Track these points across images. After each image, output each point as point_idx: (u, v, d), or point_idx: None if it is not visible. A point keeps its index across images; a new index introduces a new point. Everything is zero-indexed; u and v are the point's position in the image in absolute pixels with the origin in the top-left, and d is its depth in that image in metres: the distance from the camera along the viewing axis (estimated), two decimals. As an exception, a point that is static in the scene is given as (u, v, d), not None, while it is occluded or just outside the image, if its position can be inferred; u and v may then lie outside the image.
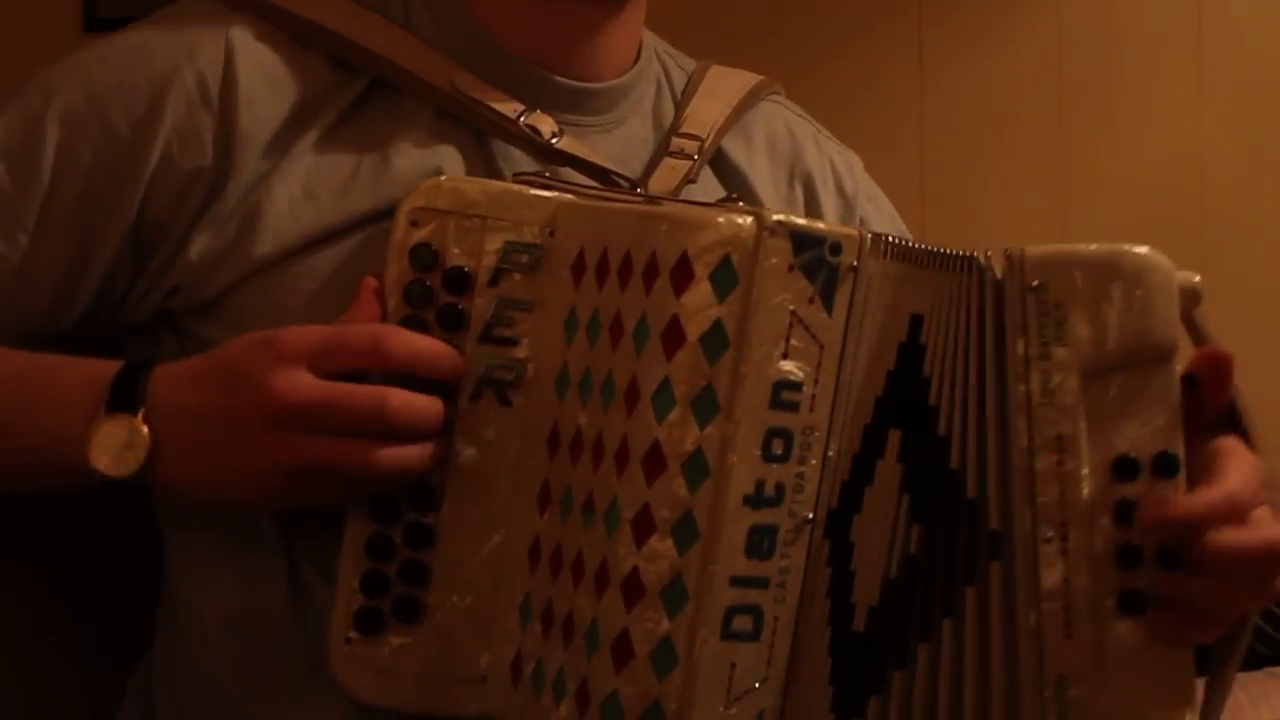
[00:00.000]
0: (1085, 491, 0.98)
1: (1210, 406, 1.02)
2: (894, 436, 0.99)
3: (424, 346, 1.03)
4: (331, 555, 1.07)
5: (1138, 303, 0.97)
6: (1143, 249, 0.98)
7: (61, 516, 1.22)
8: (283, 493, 1.03)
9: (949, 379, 0.99)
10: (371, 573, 1.04)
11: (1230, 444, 1.03)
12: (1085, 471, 0.98)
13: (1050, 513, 0.97)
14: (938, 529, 0.99)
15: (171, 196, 1.11)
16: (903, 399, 0.99)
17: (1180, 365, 1.00)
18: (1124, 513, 0.98)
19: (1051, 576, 0.97)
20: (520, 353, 1.04)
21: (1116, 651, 0.98)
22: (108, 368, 1.06)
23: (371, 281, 1.05)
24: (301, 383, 1.00)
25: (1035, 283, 0.97)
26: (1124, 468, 0.98)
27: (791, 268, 0.93)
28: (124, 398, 1.04)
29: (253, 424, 1.00)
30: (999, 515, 0.98)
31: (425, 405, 1.01)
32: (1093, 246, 0.99)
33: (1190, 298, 1.00)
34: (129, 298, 1.14)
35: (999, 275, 0.99)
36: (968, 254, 1.00)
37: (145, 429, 1.03)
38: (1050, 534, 0.97)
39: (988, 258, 1.00)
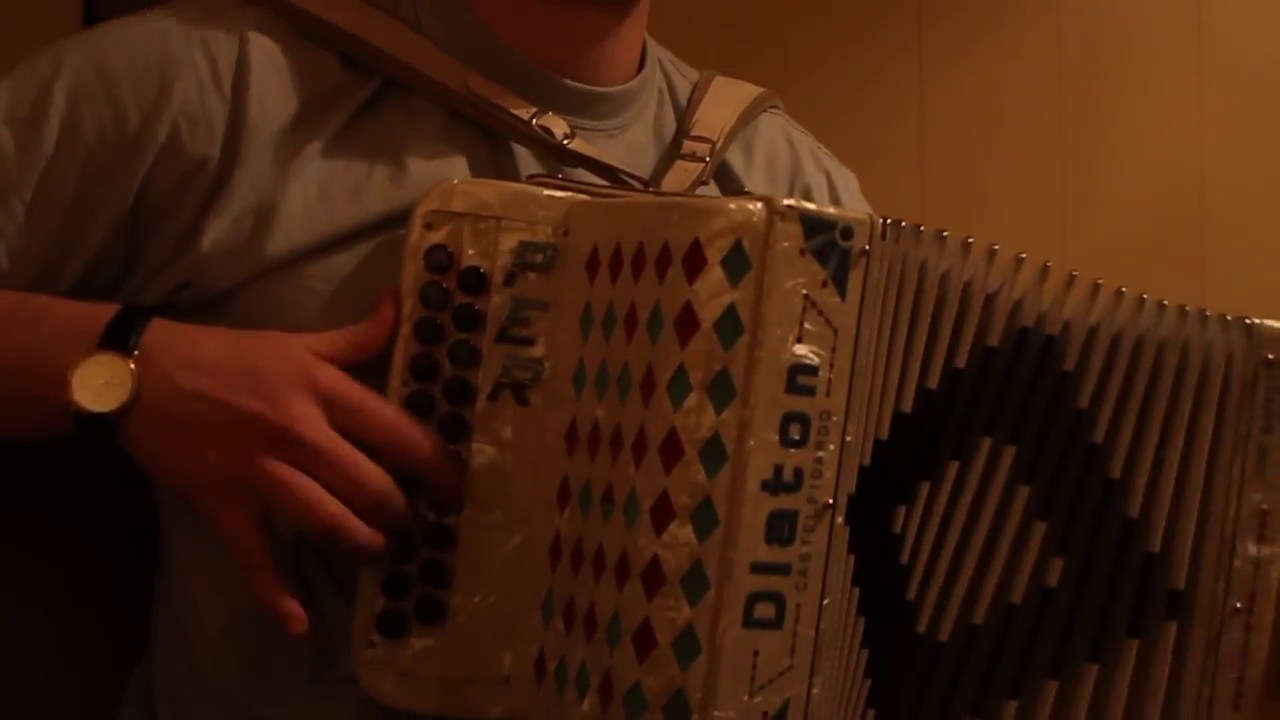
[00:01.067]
0: (1276, 570, 0.98)
1: None
2: (1002, 449, 1.00)
3: (435, 462, 1.04)
4: (337, 556, 1.07)
5: None
6: None
7: (62, 516, 1.22)
8: (229, 499, 1.02)
9: (1121, 427, 1.00)
10: (394, 575, 1.05)
11: None
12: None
13: (1242, 584, 0.98)
14: (1091, 570, 0.99)
15: (175, 181, 1.11)
16: (1031, 418, 1.00)
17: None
18: None
19: (1232, 647, 0.98)
20: (537, 352, 1.05)
21: None
22: (103, 309, 1.05)
23: (389, 299, 1.06)
24: (317, 422, 1.01)
25: (1271, 356, 0.99)
26: None
27: (803, 252, 0.93)
28: (119, 338, 1.04)
29: (250, 431, 1.00)
30: (1186, 577, 0.98)
31: (395, 512, 1.03)
32: None
33: None
34: (125, 285, 1.13)
35: None
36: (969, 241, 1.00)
37: (133, 374, 1.03)
38: (1239, 605, 0.98)
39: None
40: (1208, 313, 1.00)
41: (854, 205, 1.41)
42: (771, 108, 1.39)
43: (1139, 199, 2.61)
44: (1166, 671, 0.98)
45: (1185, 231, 2.59)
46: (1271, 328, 1.00)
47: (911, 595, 0.99)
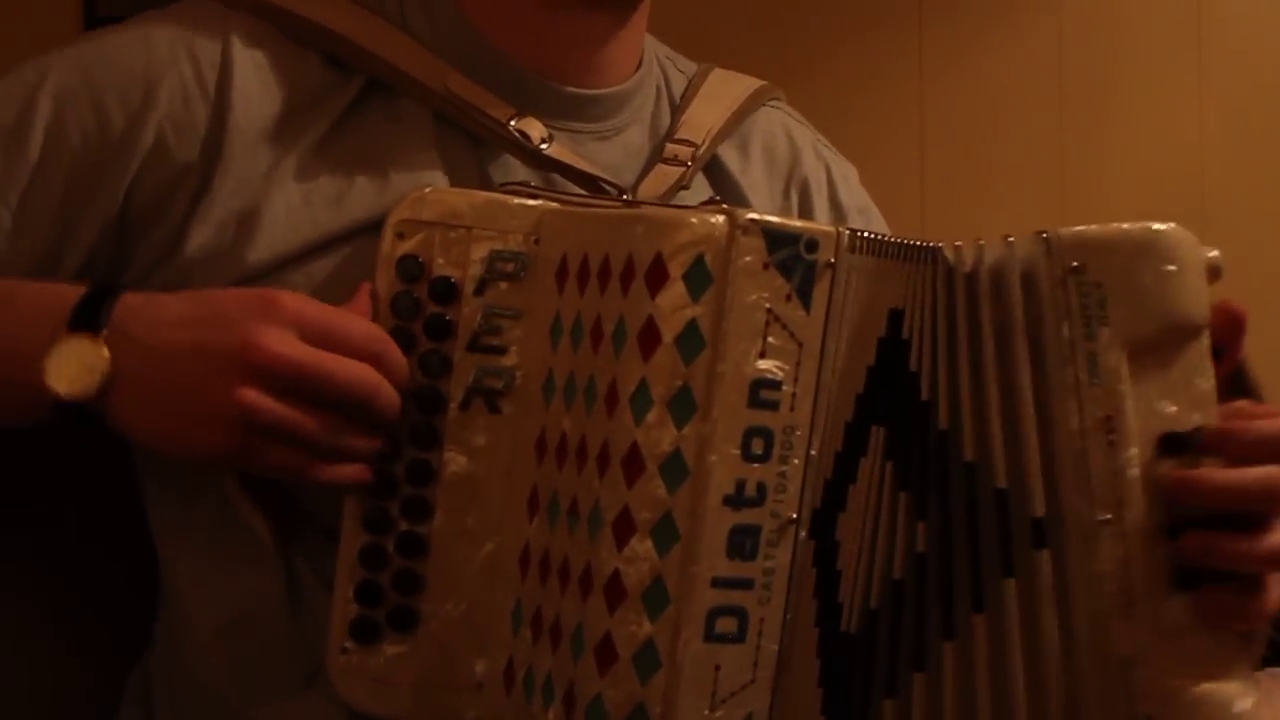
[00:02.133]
0: (1135, 470, 0.97)
1: (1227, 363, 1.02)
2: (878, 433, 0.98)
3: (404, 369, 1.04)
4: (329, 559, 1.07)
5: (1171, 279, 0.97)
6: (1169, 225, 0.98)
7: (64, 515, 1.22)
8: (220, 442, 1.01)
9: (946, 372, 0.98)
10: (366, 582, 1.05)
11: (1246, 404, 1.03)
12: (1134, 451, 0.97)
13: (1104, 494, 0.96)
14: (951, 525, 0.98)
15: (161, 186, 1.11)
16: (887, 395, 0.99)
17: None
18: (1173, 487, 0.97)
19: (1109, 559, 0.96)
20: (508, 361, 1.05)
21: (1172, 630, 0.97)
22: (72, 290, 1.04)
23: (367, 287, 1.05)
24: (290, 341, 0.99)
25: (1074, 264, 0.96)
26: (1169, 443, 0.97)
27: (766, 265, 0.92)
28: (87, 318, 1.03)
29: (228, 369, 0.99)
30: (1045, 502, 0.97)
31: (397, 401, 1.02)
32: (1123, 226, 0.98)
33: (1213, 272, 1.00)
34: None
35: (959, 264, 0.98)
36: (931, 244, 0.99)
37: (106, 352, 1.02)
38: (1106, 515, 0.96)
39: (955, 248, 0.99)
40: (1010, 238, 0.98)
41: (853, 198, 1.40)
42: (772, 100, 1.39)
43: (1139, 199, 2.60)
44: (1053, 600, 0.97)
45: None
46: (1069, 234, 0.98)
47: (840, 597, 0.99)
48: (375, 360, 1.01)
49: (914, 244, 0.99)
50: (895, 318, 0.99)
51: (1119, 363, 0.97)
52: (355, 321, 1.02)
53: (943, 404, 0.97)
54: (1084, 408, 0.96)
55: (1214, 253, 1.00)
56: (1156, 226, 0.98)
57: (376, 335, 1.02)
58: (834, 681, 0.99)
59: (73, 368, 1.02)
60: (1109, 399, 0.97)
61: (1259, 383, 1.07)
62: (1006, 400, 0.97)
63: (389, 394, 1.02)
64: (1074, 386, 0.97)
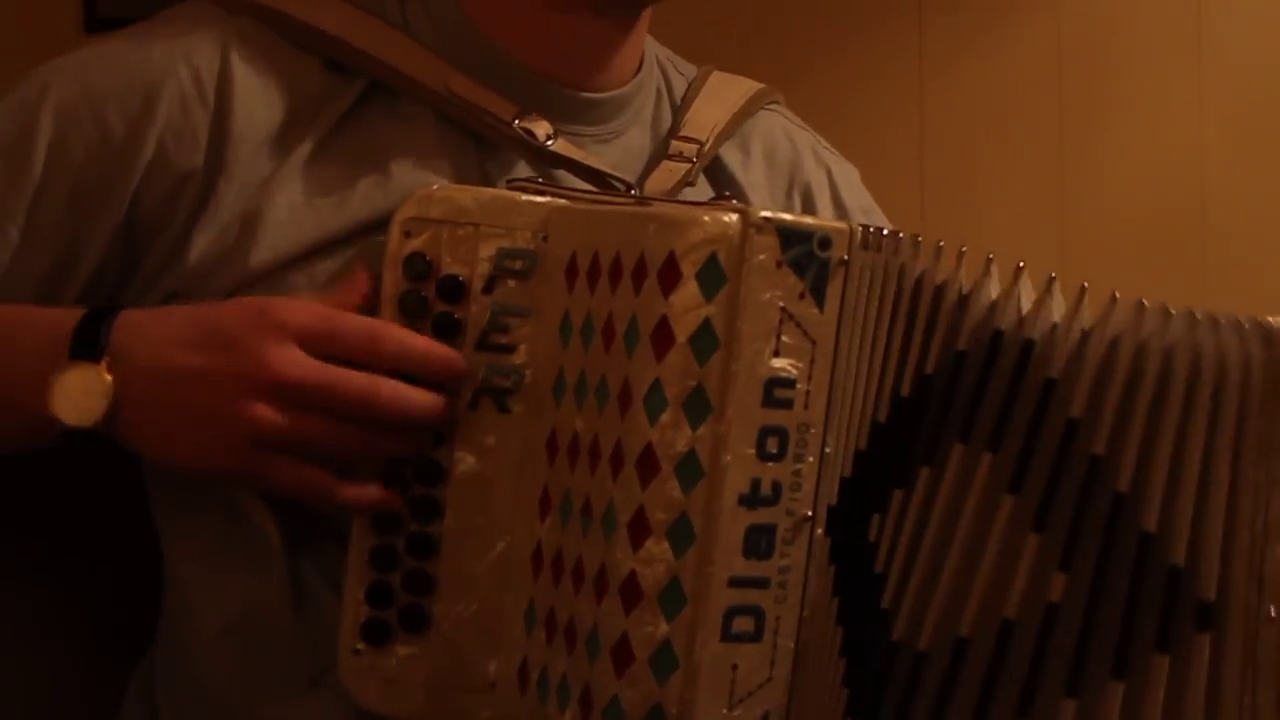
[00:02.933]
0: None
1: None
2: (971, 454, 0.96)
3: (418, 346, 1.03)
4: (334, 560, 1.07)
5: None
6: None
7: (67, 514, 1.22)
8: (236, 464, 1.02)
9: (1121, 437, 0.95)
10: (377, 584, 1.05)
11: None
12: None
13: (1275, 589, 0.94)
14: (1103, 584, 0.95)
15: (165, 194, 1.11)
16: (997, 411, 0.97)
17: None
18: None
19: (1270, 652, 0.94)
20: (517, 359, 1.04)
21: None
22: (70, 315, 1.05)
23: (364, 275, 1.05)
24: (296, 358, 1.00)
25: None
26: None
27: (780, 264, 0.92)
28: (87, 345, 1.03)
29: (235, 389, 1.00)
30: (1217, 587, 0.94)
31: (418, 397, 1.02)
32: None
33: None
34: (124, 295, 1.14)
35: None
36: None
37: (108, 378, 1.03)
38: (1274, 611, 0.94)
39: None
40: (1220, 318, 0.95)
41: (855, 199, 1.40)
42: (772, 104, 1.39)
43: (1139, 199, 2.60)
44: (1204, 685, 0.94)
45: (1185, 231, 2.59)
46: None
47: (886, 603, 0.97)
48: (373, 355, 1.02)
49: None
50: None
51: None
52: (351, 320, 1.03)
53: (1125, 466, 0.94)
54: (1271, 503, 0.94)
55: None
56: None
57: (374, 329, 1.03)
58: (870, 685, 0.97)
59: (77, 396, 1.03)
60: None
61: None
62: (1200, 484, 0.95)
63: (403, 397, 1.02)
64: (1265, 481, 0.95)
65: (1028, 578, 0.95)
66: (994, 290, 0.98)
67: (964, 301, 0.98)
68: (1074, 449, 0.95)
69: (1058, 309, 0.98)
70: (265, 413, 0.99)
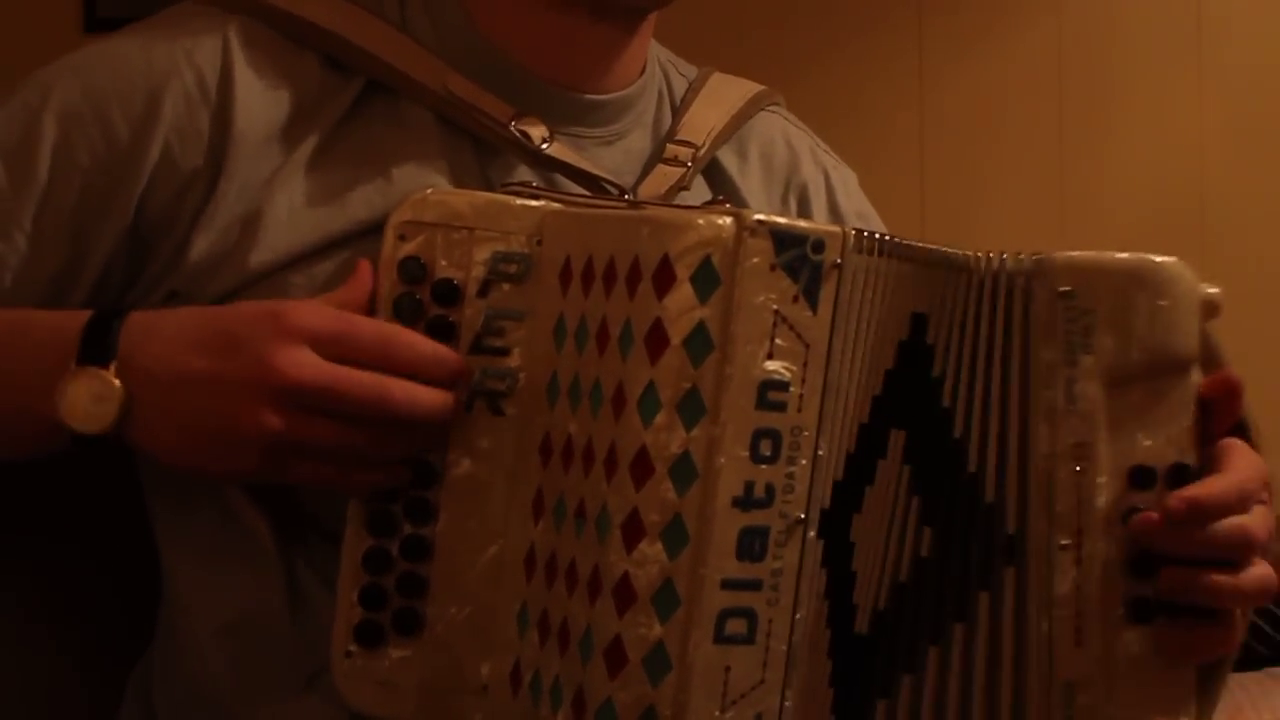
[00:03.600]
0: (1102, 500, 0.98)
1: (1220, 427, 1.03)
2: (897, 437, 0.99)
3: (427, 349, 1.02)
4: (330, 561, 1.07)
5: (1162, 313, 0.98)
6: (1168, 259, 0.99)
7: (65, 513, 1.22)
8: (252, 468, 1.02)
9: (965, 381, 0.99)
10: (370, 586, 1.04)
11: (1233, 442, 1.03)
12: (1102, 480, 0.98)
13: (1067, 520, 0.97)
14: (951, 532, 0.99)
15: (170, 195, 1.11)
16: (907, 399, 0.99)
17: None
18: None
19: (1064, 583, 0.97)
20: (512, 362, 1.04)
21: (1124, 660, 0.99)
22: (76, 319, 1.05)
23: (367, 265, 1.05)
24: (306, 361, 0.99)
25: (1065, 289, 0.97)
26: (1140, 477, 0.99)
27: (774, 267, 0.92)
28: (95, 350, 1.03)
29: (246, 394, 0.99)
30: (1016, 520, 0.98)
31: (428, 396, 1.01)
32: (1120, 255, 0.99)
33: (1208, 310, 1.00)
34: (128, 295, 1.14)
35: (985, 272, 0.99)
36: (973, 254, 1.00)
37: (117, 382, 1.02)
38: (1066, 541, 0.97)
39: (990, 258, 1.00)
40: (1004, 255, 0.99)
41: (851, 203, 1.40)
42: (771, 105, 1.39)
43: (1139, 199, 2.61)
44: (1013, 619, 0.98)
45: (1185, 231, 2.59)
46: (1063, 257, 0.98)
47: (855, 598, 0.99)
48: (385, 359, 1.01)
49: (937, 250, 0.99)
50: (919, 322, 0.99)
51: (1097, 391, 0.98)
52: (363, 323, 1.02)
53: (959, 413, 0.98)
54: (1057, 432, 0.97)
55: (1213, 290, 1.00)
56: (1155, 259, 0.99)
57: (384, 336, 1.02)
58: (845, 681, 0.99)
59: (86, 402, 1.02)
60: (1083, 426, 0.98)
61: (1256, 427, 1.08)
62: (1001, 419, 0.99)
63: (414, 399, 1.01)
64: (1050, 410, 0.98)
65: (912, 539, 0.99)
66: None
67: None
68: (934, 409, 1.00)
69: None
70: (276, 419, 0.99)
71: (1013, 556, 0.98)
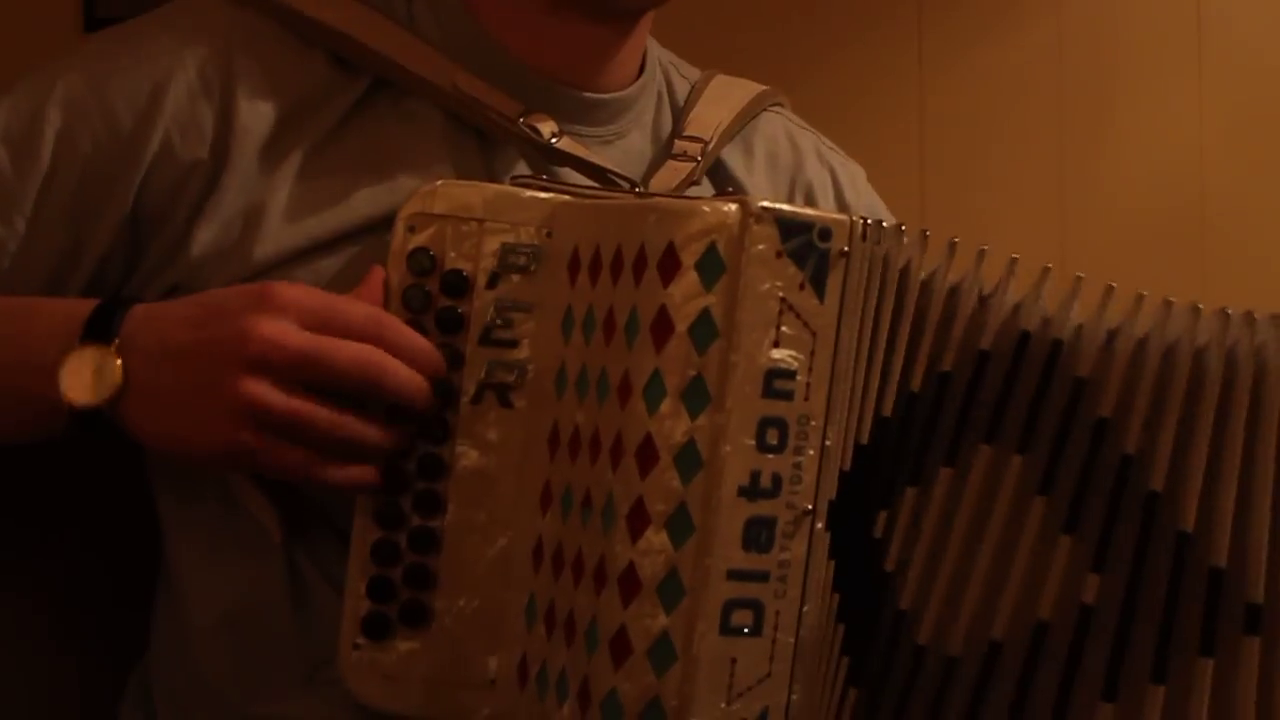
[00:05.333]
0: None
1: None
2: (987, 451, 0.96)
3: (418, 344, 1.02)
4: (332, 554, 1.07)
5: None
6: None
7: (66, 513, 1.22)
8: (240, 444, 1.00)
9: (1144, 428, 0.95)
10: (378, 578, 1.04)
11: None
12: None
13: None
14: (1138, 587, 0.94)
15: (169, 186, 1.12)
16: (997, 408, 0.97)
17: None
18: None
19: None
20: (520, 354, 1.04)
21: None
22: (84, 304, 1.05)
23: (380, 271, 1.05)
24: (290, 330, 0.99)
25: None
26: None
27: (780, 254, 0.92)
28: (99, 330, 1.03)
29: (230, 362, 0.99)
30: (1265, 589, 0.93)
31: (409, 376, 1.01)
32: None
33: None
34: (123, 290, 1.14)
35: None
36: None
37: (118, 361, 1.02)
38: None
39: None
40: (1254, 315, 0.94)
41: (860, 199, 1.40)
42: (775, 105, 1.39)
43: (1139, 198, 2.60)
44: (1254, 689, 0.92)
45: (1185, 231, 2.58)
46: None
47: (905, 604, 0.97)
48: (377, 340, 1.01)
49: None
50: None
51: None
52: (354, 305, 1.02)
53: (1159, 466, 0.93)
54: None
55: None
56: None
57: (375, 315, 1.02)
58: (888, 687, 0.97)
59: (86, 377, 1.03)
60: None
61: None
62: (1240, 484, 0.93)
63: (398, 373, 1.01)
64: None
65: (1061, 580, 0.94)
66: (1014, 290, 0.98)
67: (986, 301, 0.98)
68: (1105, 449, 0.94)
69: (1077, 308, 0.97)
70: (258, 386, 0.98)
71: (1258, 626, 0.92)
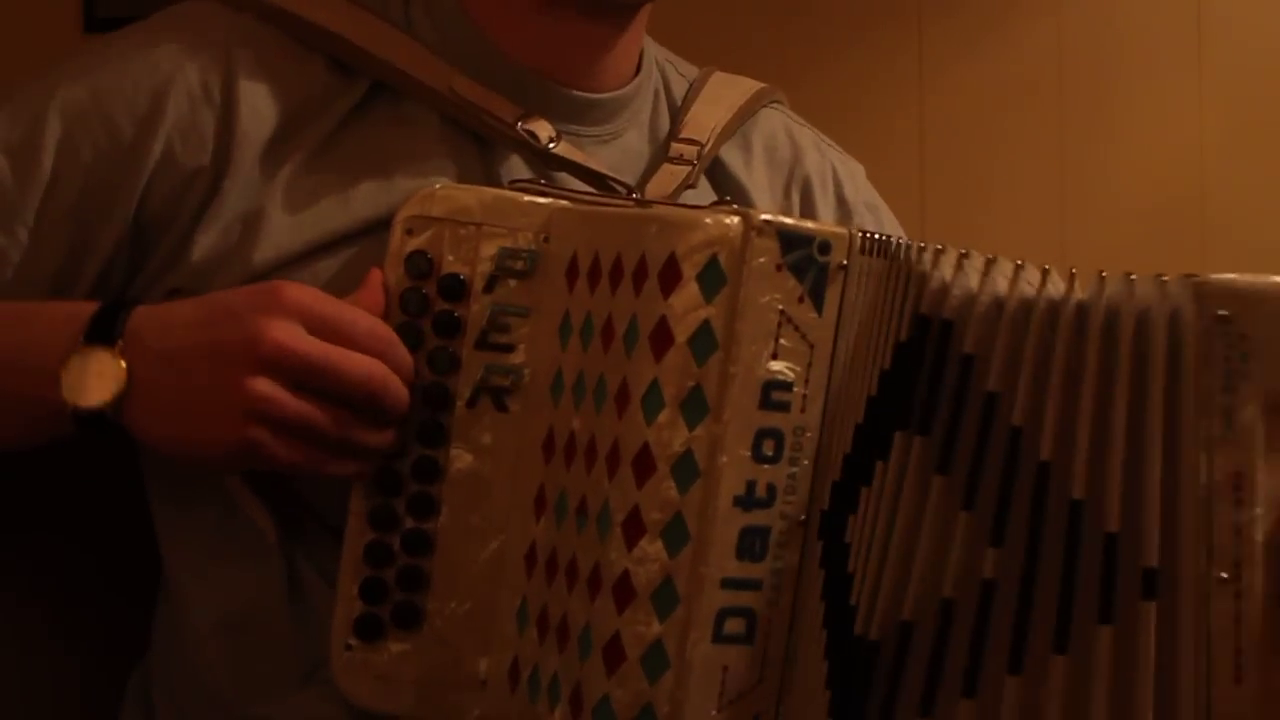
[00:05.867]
0: (1260, 531, 0.92)
1: None
2: (908, 440, 0.95)
3: (409, 363, 1.03)
4: (329, 555, 1.07)
5: None
6: None
7: (66, 513, 1.22)
8: (244, 443, 1.00)
9: (1039, 403, 0.94)
10: (371, 580, 1.05)
11: None
12: (1259, 511, 0.92)
13: (1224, 552, 0.91)
14: (1036, 559, 0.93)
15: (171, 193, 1.12)
16: (924, 403, 0.95)
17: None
18: None
19: (1224, 618, 0.91)
20: (516, 359, 1.05)
21: None
22: (86, 306, 1.05)
23: (378, 273, 1.05)
24: (298, 333, 0.99)
25: (1223, 313, 0.92)
26: None
27: (780, 267, 0.92)
28: (102, 331, 1.03)
29: (237, 362, 0.99)
30: (1160, 553, 0.92)
31: (405, 395, 1.02)
32: (1273, 279, 0.95)
33: None
34: (126, 293, 1.14)
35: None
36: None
37: (121, 362, 1.02)
38: (1224, 574, 0.91)
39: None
40: (1133, 276, 0.94)
41: (860, 194, 1.40)
42: (774, 102, 1.39)
43: (1139, 197, 2.60)
44: (1153, 654, 0.92)
45: (1185, 231, 2.58)
46: (1221, 281, 0.93)
47: (853, 599, 0.97)
48: (381, 356, 1.01)
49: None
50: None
51: (1255, 419, 0.92)
52: (361, 317, 1.02)
53: (1047, 434, 0.93)
54: (1213, 462, 0.92)
55: None
56: None
57: (382, 334, 1.02)
58: (843, 684, 0.97)
59: (89, 379, 1.02)
60: (1240, 455, 0.92)
61: None
62: (1129, 445, 0.93)
63: (397, 388, 1.02)
64: (1206, 439, 0.92)
65: (961, 556, 0.94)
66: (949, 280, 0.96)
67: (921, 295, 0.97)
68: (995, 423, 0.94)
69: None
70: (264, 385, 0.99)
71: (1155, 591, 0.92)
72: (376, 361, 1.01)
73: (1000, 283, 0.95)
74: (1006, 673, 0.92)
